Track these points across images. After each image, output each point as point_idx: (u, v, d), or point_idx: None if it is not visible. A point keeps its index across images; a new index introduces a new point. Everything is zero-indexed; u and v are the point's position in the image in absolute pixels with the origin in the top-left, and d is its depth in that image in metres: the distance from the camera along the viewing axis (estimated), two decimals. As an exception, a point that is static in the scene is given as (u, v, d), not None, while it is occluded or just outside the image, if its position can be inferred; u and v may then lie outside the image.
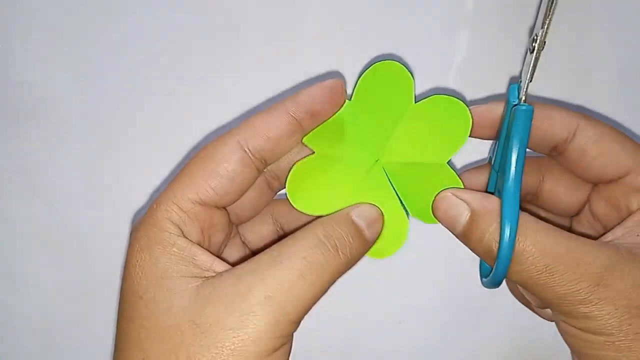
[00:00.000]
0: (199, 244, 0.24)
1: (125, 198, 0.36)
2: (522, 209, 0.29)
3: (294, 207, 0.26)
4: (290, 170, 0.27)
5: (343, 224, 0.24)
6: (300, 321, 0.22)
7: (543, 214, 0.31)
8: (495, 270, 0.24)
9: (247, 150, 0.24)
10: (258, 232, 0.29)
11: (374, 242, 0.25)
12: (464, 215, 0.24)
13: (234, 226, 0.28)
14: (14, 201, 0.37)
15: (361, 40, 0.35)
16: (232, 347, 0.21)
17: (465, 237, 0.25)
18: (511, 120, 0.25)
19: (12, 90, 0.36)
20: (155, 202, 0.24)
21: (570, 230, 0.30)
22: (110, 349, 0.37)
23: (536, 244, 0.23)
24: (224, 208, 0.26)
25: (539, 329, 0.36)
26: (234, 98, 0.35)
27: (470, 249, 0.25)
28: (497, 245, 0.23)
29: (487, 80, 0.35)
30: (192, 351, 0.21)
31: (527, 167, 0.29)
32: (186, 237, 0.24)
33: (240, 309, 0.21)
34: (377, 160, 0.27)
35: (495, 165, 0.28)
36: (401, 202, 0.27)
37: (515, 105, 0.25)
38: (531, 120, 0.25)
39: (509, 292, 0.30)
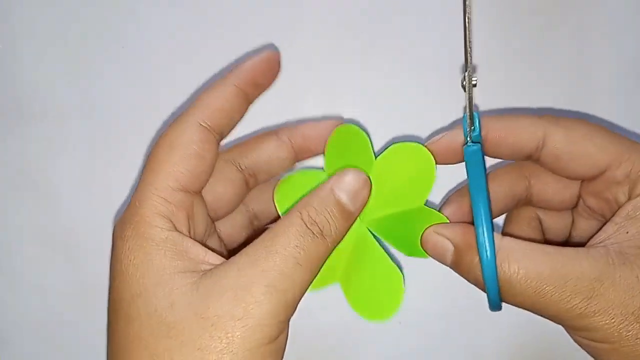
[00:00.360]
0: (188, 233, 0.25)
1: (125, 198, 0.36)
2: (512, 219, 0.30)
3: None
4: None
5: (326, 205, 0.24)
6: (297, 305, 0.23)
7: (541, 213, 0.31)
8: (488, 299, 0.25)
9: (207, 127, 0.25)
10: (232, 221, 0.30)
11: (360, 210, 0.26)
12: (449, 251, 0.25)
13: (212, 223, 0.29)
14: (14, 201, 0.37)
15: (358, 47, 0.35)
16: (242, 335, 0.21)
17: (455, 269, 0.26)
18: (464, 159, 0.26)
19: (12, 90, 0.36)
20: (135, 198, 0.24)
21: (572, 221, 0.30)
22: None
23: (520, 269, 0.23)
24: (200, 195, 0.26)
25: (542, 329, 0.36)
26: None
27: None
28: (482, 284, 0.24)
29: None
30: (203, 344, 0.21)
31: (511, 175, 0.29)
32: (178, 231, 0.24)
33: (245, 300, 0.22)
34: (359, 223, 0.28)
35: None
36: (391, 258, 0.28)
37: (465, 144, 0.26)
38: (482, 158, 0.26)
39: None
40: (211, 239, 0.28)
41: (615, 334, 0.23)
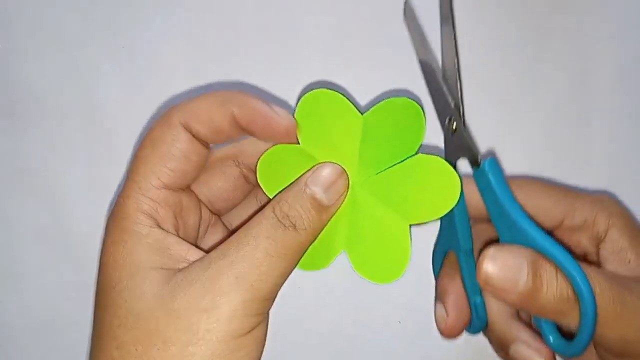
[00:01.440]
0: (175, 230, 0.25)
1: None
2: None
3: None
4: None
5: (298, 199, 0.24)
6: (273, 299, 0.23)
7: None
8: (582, 328, 0.21)
9: (191, 131, 0.25)
10: (243, 216, 0.29)
11: (337, 203, 0.25)
12: (523, 273, 0.22)
13: (213, 215, 0.28)
14: (14, 201, 0.37)
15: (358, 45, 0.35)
16: (207, 328, 0.21)
17: (528, 297, 0.22)
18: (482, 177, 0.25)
19: (12, 90, 0.36)
20: (121, 196, 0.24)
21: None
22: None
23: (603, 290, 0.22)
24: (190, 189, 0.26)
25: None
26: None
27: (534, 312, 0.23)
28: (574, 298, 0.22)
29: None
30: (167, 336, 0.21)
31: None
32: (161, 228, 0.24)
33: (212, 291, 0.21)
34: (355, 187, 0.26)
35: (460, 247, 0.28)
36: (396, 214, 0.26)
37: (477, 165, 0.25)
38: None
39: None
40: (215, 229, 0.28)
41: None
